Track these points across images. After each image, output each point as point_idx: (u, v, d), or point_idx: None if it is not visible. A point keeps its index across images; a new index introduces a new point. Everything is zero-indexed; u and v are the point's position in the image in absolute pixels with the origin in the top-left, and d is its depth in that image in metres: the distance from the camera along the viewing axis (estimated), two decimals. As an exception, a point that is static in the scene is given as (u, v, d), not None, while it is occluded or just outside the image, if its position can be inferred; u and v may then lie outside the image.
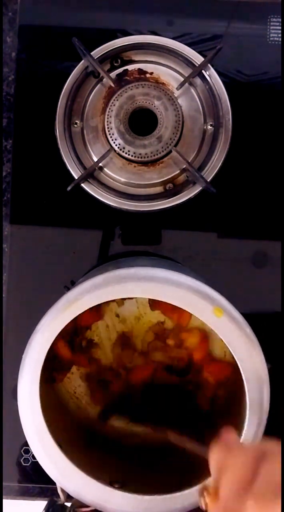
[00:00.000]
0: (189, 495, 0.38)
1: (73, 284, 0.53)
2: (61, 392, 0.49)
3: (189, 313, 0.38)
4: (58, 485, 0.40)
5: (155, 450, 0.48)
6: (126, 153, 0.52)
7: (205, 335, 0.50)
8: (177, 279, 0.38)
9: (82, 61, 0.53)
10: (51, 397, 0.45)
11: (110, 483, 0.39)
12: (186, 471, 0.42)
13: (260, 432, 0.38)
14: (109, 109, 0.53)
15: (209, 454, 0.31)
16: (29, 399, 0.38)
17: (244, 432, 0.38)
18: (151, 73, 0.54)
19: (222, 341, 0.38)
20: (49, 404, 0.40)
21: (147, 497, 0.38)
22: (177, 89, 0.53)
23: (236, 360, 0.37)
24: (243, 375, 0.37)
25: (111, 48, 0.53)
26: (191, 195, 0.52)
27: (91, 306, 0.37)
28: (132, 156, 0.52)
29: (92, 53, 0.52)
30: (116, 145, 0.52)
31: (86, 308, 0.37)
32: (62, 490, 0.40)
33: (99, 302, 0.37)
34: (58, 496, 0.41)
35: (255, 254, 0.54)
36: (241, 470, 0.27)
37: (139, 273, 0.38)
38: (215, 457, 0.30)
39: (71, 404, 0.50)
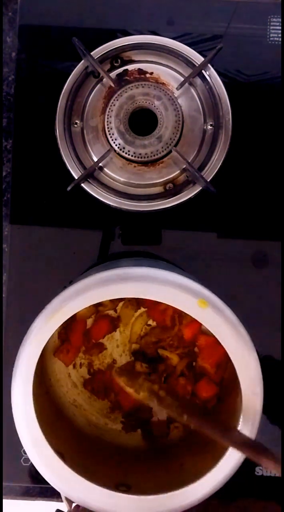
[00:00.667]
0: (189, 494, 0.38)
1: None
2: (59, 402, 0.49)
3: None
4: (62, 494, 0.39)
5: (156, 449, 0.48)
6: (126, 153, 0.52)
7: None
8: (159, 276, 0.38)
9: (82, 61, 0.53)
10: (48, 407, 0.45)
11: (116, 486, 0.39)
12: (186, 470, 0.42)
13: (257, 421, 0.38)
14: (109, 109, 0.53)
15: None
16: (23, 411, 0.38)
17: (240, 421, 0.38)
18: (151, 73, 0.54)
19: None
20: (46, 414, 0.40)
21: (151, 497, 0.38)
22: (177, 89, 0.53)
23: (228, 353, 0.38)
24: (236, 368, 0.38)
25: (111, 48, 0.53)
26: (191, 195, 0.52)
27: (74, 312, 0.38)
28: (132, 156, 0.52)
29: (92, 53, 0.52)
30: (116, 145, 0.52)
31: (71, 315, 0.37)
32: (67, 499, 0.39)
33: (82, 308, 0.38)
34: (59, 496, 0.40)
35: (255, 254, 0.54)
36: None
37: (119, 274, 0.38)
38: None
39: (70, 413, 0.49)
